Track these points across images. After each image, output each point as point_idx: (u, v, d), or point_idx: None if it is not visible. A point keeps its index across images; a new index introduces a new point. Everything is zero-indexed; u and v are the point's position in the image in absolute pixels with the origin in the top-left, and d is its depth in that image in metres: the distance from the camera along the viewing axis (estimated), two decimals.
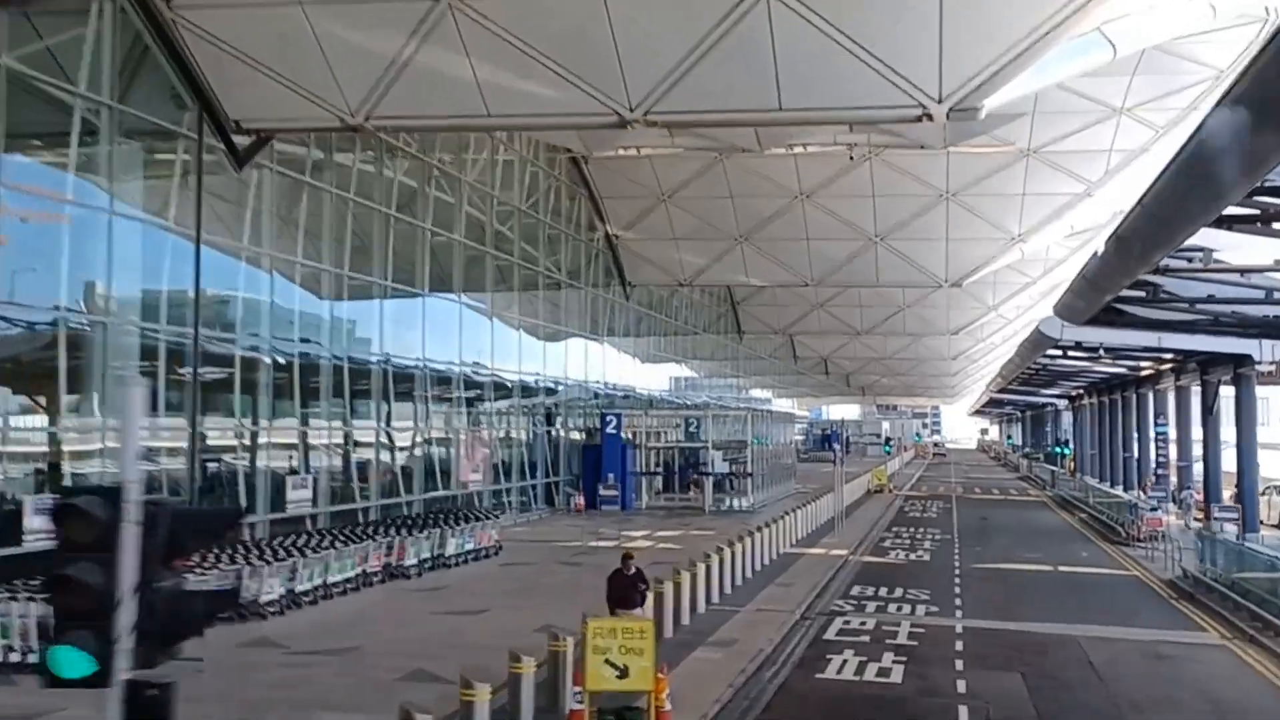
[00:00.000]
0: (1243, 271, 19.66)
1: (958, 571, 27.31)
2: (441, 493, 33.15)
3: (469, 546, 26.32)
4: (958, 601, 22.51)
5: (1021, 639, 18.83)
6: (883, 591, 23.47)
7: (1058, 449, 73.62)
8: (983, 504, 52.88)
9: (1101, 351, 36.30)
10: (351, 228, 29.04)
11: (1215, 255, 19.27)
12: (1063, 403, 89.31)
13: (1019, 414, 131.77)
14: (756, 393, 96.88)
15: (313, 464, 26.93)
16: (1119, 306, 26.58)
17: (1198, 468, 44.03)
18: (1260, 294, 21.32)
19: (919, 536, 35.45)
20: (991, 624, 20.13)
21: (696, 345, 68.98)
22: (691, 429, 54.09)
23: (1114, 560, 30.36)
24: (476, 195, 36.80)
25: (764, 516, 37.65)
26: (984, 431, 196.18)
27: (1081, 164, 41.09)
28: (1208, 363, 37.40)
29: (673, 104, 20.69)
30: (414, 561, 23.76)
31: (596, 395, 49.96)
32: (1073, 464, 70.88)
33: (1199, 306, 24.17)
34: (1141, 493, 42.17)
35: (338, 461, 28.63)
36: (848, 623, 19.69)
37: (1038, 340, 38.17)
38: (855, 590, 23.67)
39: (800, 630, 18.92)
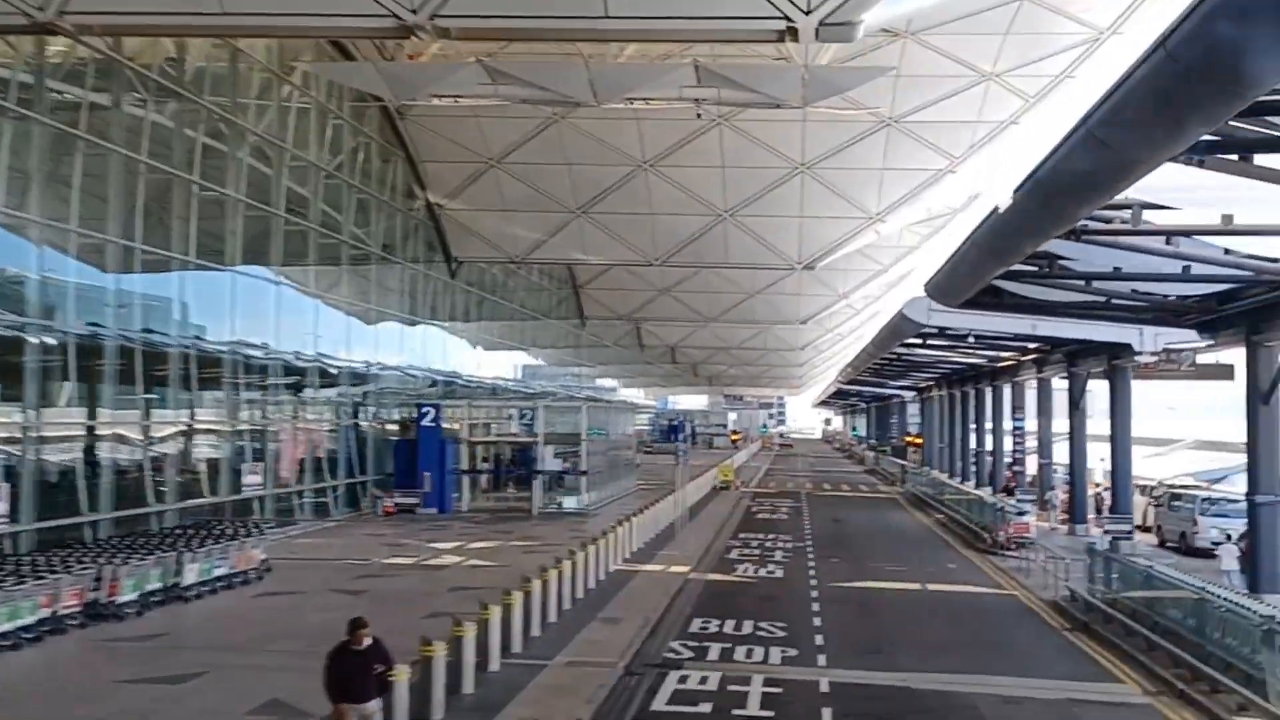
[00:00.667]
0: (1169, 235, 15.99)
1: (815, 594, 23.29)
2: (208, 499, 27.61)
3: (219, 571, 20.94)
4: (819, 639, 18.38)
5: (904, 700, 14.73)
6: (729, 626, 19.18)
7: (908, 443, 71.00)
8: (834, 502, 49.64)
9: (971, 339, 33.00)
10: (82, 172, 23.25)
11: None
12: (910, 394, 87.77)
13: (864, 405, 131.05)
14: (605, 382, 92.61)
15: (10, 466, 21.11)
16: (1000, 285, 22.96)
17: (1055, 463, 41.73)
18: (1178, 267, 17.82)
19: (769, 545, 31.50)
20: (864, 675, 16.01)
21: (537, 332, 63.98)
22: (525, 421, 49.13)
23: (986, 575, 26.88)
24: (264, 147, 31.20)
25: (599, 520, 33.46)
26: (827, 422, 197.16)
27: (945, 136, 37.94)
28: (1077, 353, 34.57)
29: (470, 6, 15.89)
30: (132, 597, 18.33)
31: (433, 383, 44.77)
32: (920, 457, 68.61)
33: (1096, 285, 20.65)
34: (1005, 494, 39.27)
35: (57, 461, 22.85)
36: (684, 680, 15.26)
37: (899, 326, 34.64)
38: (696, 625, 19.31)
39: (622, 696, 14.37)
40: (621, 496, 45.08)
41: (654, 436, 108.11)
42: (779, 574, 26.03)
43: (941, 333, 34.72)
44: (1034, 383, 42.27)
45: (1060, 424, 42.74)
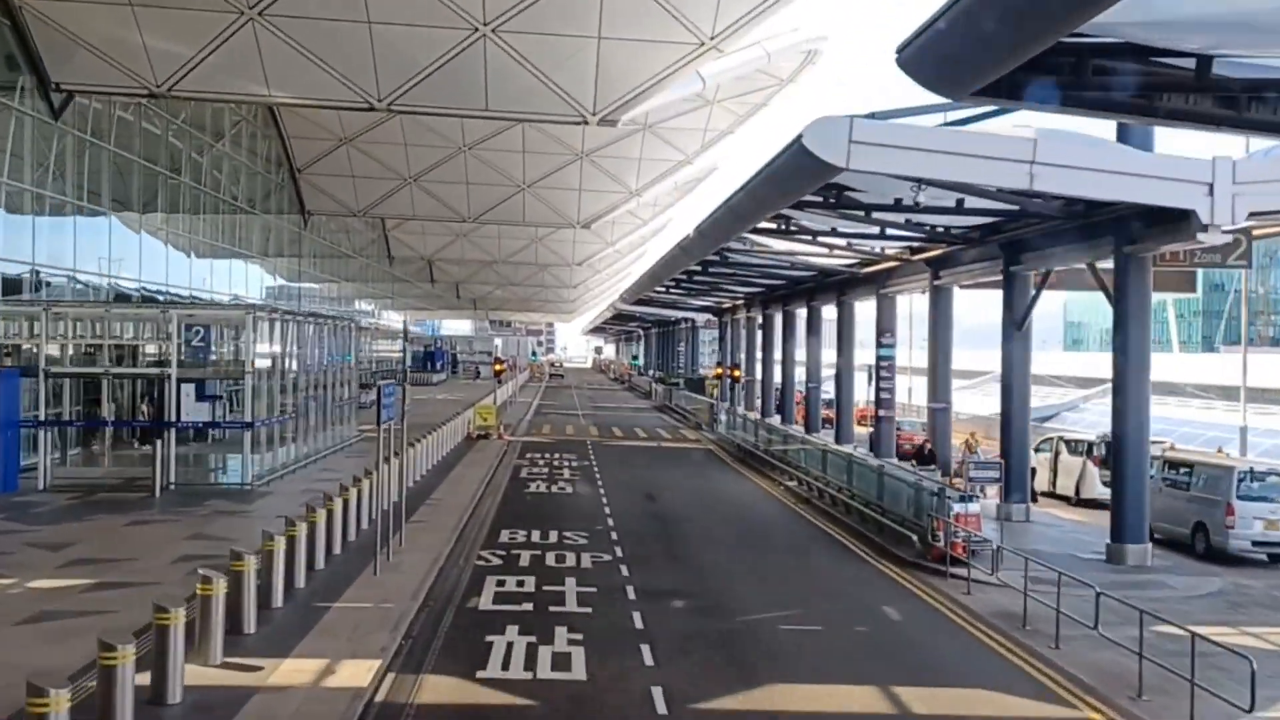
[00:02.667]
0: None
1: None
2: None
3: None
4: None
5: None
6: None
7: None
8: (632, 456, 36.44)
9: (918, 195, 19.20)
10: None
11: None
12: (702, 318, 75.67)
13: (643, 331, 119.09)
14: (363, 306, 75.75)
15: None
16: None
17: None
18: None
19: (552, 565, 17.69)
20: None
21: (239, 229, 46.88)
22: (199, 342, 33.19)
23: (983, 647, 13.89)
24: None
25: (270, 504, 19.49)
26: (598, 351, 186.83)
27: None
28: (1022, 243, 22.10)
29: None
30: None
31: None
32: (715, 392, 56.11)
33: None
34: (915, 461, 26.60)
35: None
36: None
37: (786, 172, 19.26)
38: None
39: None
40: (328, 453, 30.59)
41: (410, 366, 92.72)
42: (578, 671, 12.06)
43: (836, 199, 21.13)
44: (930, 292, 29.78)
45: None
